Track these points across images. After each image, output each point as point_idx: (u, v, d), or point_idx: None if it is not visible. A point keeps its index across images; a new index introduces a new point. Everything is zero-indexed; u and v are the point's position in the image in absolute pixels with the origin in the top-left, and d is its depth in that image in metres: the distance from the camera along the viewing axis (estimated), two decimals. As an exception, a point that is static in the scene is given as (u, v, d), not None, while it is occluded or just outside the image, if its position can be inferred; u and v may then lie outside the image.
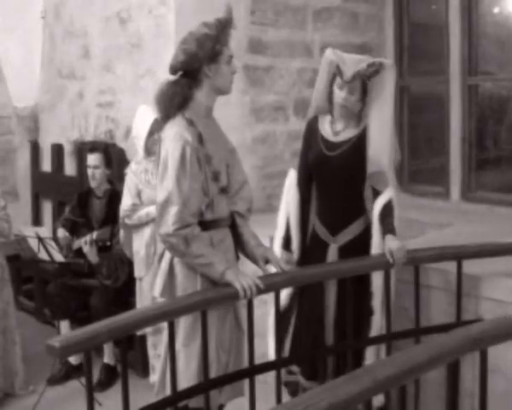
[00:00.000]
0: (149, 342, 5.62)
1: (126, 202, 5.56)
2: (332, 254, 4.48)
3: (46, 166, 8.70)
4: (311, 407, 2.16)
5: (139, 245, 5.58)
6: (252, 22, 6.53)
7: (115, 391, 5.59)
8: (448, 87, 6.99)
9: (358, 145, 4.40)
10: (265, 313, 5.35)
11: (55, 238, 6.21)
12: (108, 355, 6.11)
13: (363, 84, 4.40)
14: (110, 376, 6.05)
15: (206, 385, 3.61)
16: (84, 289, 6.20)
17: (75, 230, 6.35)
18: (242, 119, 6.48)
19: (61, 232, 6.29)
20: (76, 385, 5.85)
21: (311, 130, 4.63)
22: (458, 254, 4.22)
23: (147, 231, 5.51)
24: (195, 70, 3.76)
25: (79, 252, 6.17)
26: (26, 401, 5.76)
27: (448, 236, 5.45)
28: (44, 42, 8.68)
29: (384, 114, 4.42)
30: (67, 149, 8.30)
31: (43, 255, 6.00)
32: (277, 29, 6.79)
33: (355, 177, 4.43)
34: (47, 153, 8.63)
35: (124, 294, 5.99)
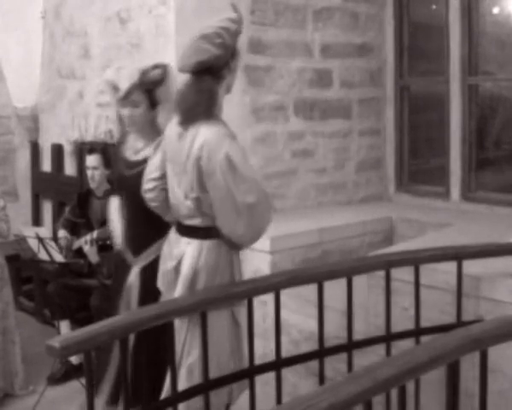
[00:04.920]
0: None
1: None
2: (133, 276, 4.49)
3: (46, 166, 8.71)
4: (311, 407, 2.16)
5: None
6: (252, 22, 6.52)
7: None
8: (448, 87, 7.00)
9: None
10: (265, 313, 5.37)
11: (55, 239, 6.22)
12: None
13: (150, 93, 4.37)
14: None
15: (206, 386, 3.60)
16: (84, 289, 6.21)
17: (75, 230, 6.36)
18: (242, 119, 6.48)
19: (62, 233, 6.31)
20: (76, 385, 5.85)
21: (116, 154, 4.65)
22: (458, 255, 4.22)
23: None
24: (222, 66, 3.76)
25: (79, 252, 6.18)
26: (26, 401, 5.77)
27: (448, 236, 5.45)
28: (44, 42, 8.68)
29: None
30: (67, 149, 8.30)
31: (42, 256, 6.00)
32: (277, 29, 6.79)
33: None
34: (47, 153, 8.63)
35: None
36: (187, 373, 3.80)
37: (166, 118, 4.24)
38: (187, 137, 3.76)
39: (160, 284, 4.09)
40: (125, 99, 4.32)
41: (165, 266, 4.01)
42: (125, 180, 4.48)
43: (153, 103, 4.42)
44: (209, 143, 3.66)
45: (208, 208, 3.77)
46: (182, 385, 3.68)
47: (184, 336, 3.82)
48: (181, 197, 3.84)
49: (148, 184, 4.15)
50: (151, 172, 4.15)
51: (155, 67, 4.37)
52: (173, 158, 3.89)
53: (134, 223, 4.51)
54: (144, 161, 4.30)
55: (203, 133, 3.69)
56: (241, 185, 3.64)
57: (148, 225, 4.38)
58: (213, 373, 3.65)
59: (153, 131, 4.45)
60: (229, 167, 3.62)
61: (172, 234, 4.03)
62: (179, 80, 4.09)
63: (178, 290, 3.82)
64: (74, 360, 6.12)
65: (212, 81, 3.75)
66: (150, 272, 4.28)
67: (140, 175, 4.22)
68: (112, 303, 4.65)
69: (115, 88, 4.33)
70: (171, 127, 3.96)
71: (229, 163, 3.62)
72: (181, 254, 3.86)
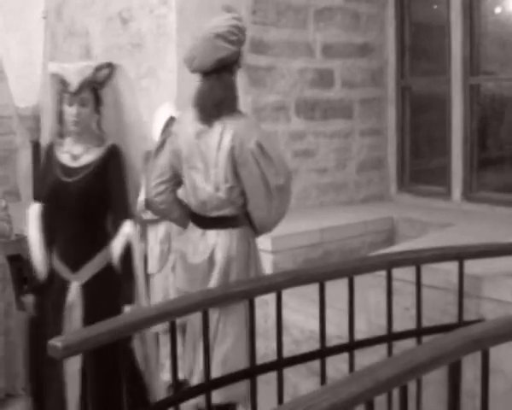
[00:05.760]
0: (161, 340, 5.61)
1: (143, 196, 5.57)
2: (73, 293, 4.10)
3: (48, 166, 8.70)
4: (312, 407, 2.16)
5: (154, 242, 5.60)
6: (253, 22, 6.53)
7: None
8: (449, 87, 7.00)
9: (101, 169, 4.09)
10: (266, 313, 5.36)
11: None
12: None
13: (96, 94, 4.09)
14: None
15: (207, 385, 3.61)
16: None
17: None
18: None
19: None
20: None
21: (48, 157, 4.25)
22: (460, 255, 4.21)
23: (161, 228, 5.53)
24: (234, 62, 3.98)
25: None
26: (28, 401, 5.76)
27: (450, 236, 5.45)
28: (46, 42, 8.67)
29: (122, 126, 4.19)
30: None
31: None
32: (279, 29, 6.79)
33: (95, 206, 4.10)
34: (48, 153, 8.63)
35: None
36: (221, 363, 3.92)
37: (113, 121, 4.13)
38: (213, 133, 3.97)
39: (182, 282, 4.21)
40: (75, 96, 3.99)
41: (190, 262, 4.12)
42: (64, 187, 4.07)
43: (98, 104, 4.13)
44: (240, 134, 3.91)
45: (238, 197, 4.02)
46: (215, 374, 3.76)
47: (215, 326, 3.95)
48: (210, 191, 4.00)
49: (157, 188, 4.20)
50: (160, 175, 4.19)
51: (104, 65, 4.13)
52: (193, 156, 4.04)
53: (71, 235, 4.10)
54: (85, 168, 4.08)
55: (232, 126, 3.93)
56: (272, 169, 3.94)
57: (88, 237, 4.10)
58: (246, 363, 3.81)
59: (95, 136, 4.17)
60: (261, 153, 3.90)
61: (192, 231, 4.16)
62: (128, 83, 4.20)
63: (215, 281, 3.99)
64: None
65: (230, 77, 3.98)
66: (94, 287, 4.07)
67: (81, 183, 4.04)
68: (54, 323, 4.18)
69: (62, 82, 4.00)
70: (185, 127, 4.09)
71: (260, 150, 3.91)
72: (212, 246, 4.02)
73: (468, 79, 6.88)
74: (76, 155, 4.11)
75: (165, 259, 5.52)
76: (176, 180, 4.20)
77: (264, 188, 3.96)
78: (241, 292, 3.74)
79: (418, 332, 4.20)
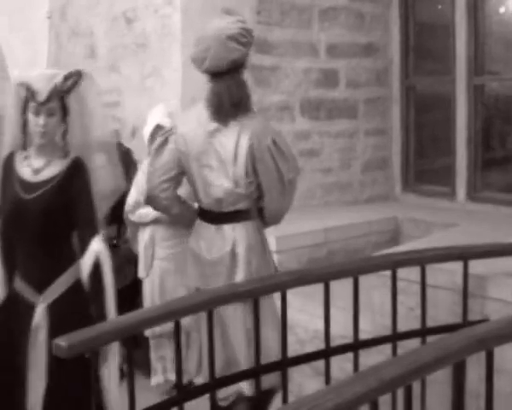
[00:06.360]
0: (152, 344, 5.61)
1: (132, 197, 5.57)
2: (40, 315, 3.79)
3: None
4: (316, 407, 2.16)
5: (141, 246, 5.60)
6: (257, 22, 6.53)
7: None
8: (454, 87, 7.00)
9: (65, 184, 3.78)
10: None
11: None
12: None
13: (63, 103, 3.77)
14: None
15: (212, 385, 3.61)
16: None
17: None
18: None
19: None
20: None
21: (6, 170, 3.88)
22: (464, 255, 4.21)
23: (146, 233, 5.52)
24: (244, 64, 4.14)
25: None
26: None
27: (454, 236, 5.45)
28: (50, 42, 8.68)
29: (87, 137, 3.91)
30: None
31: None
32: (283, 29, 6.80)
33: (58, 222, 3.80)
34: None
35: (131, 293, 5.99)
36: (262, 355, 3.92)
37: (77, 132, 3.85)
38: (229, 132, 4.13)
39: (194, 279, 4.30)
40: (43, 105, 3.70)
41: (205, 259, 4.23)
42: (23, 205, 3.74)
43: (65, 114, 3.80)
44: (257, 132, 4.10)
45: (254, 191, 4.21)
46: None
47: (244, 320, 4.08)
48: (229, 187, 4.15)
49: (162, 185, 4.29)
50: (165, 172, 4.28)
51: (74, 73, 3.80)
52: (206, 154, 4.17)
53: (34, 254, 3.79)
54: (47, 183, 3.78)
55: (249, 124, 4.11)
56: (286, 164, 4.16)
57: (52, 256, 3.80)
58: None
59: (58, 148, 3.86)
60: (276, 150, 4.11)
61: (203, 228, 4.29)
62: (95, 91, 3.99)
63: (241, 273, 4.15)
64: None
65: (241, 77, 4.16)
66: (60, 308, 3.79)
67: (43, 199, 3.76)
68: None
69: (29, 90, 3.70)
70: (193, 127, 4.20)
71: (276, 146, 4.12)
72: (232, 240, 4.17)
73: (473, 78, 6.88)
74: (37, 168, 3.80)
75: (150, 264, 5.49)
76: (179, 178, 4.36)
77: (279, 182, 4.17)
78: (247, 291, 3.74)
79: (423, 332, 4.21)
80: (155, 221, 5.38)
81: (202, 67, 4.10)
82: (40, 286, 3.78)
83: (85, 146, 3.90)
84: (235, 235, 4.18)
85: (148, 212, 5.32)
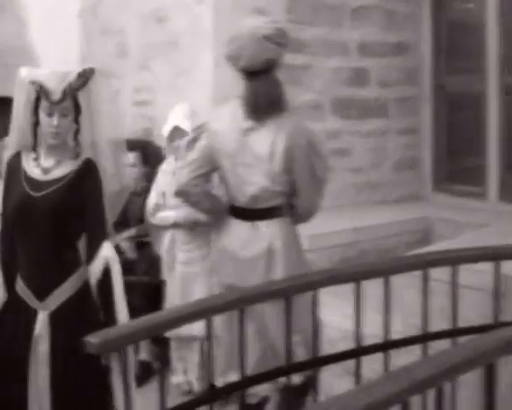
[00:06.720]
0: (173, 344, 5.62)
1: (152, 200, 5.58)
2: (41, 324, 3.64)
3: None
4: (347, 407, 2.16)
5: (163, 249, 5.63)
6: (289, 20, 6.52)
7: (148, 388, 5.55)
8: (485, 86, 6.96)
9: (76, 184, 3.67)
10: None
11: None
12: (145, 351, 6.12)
13: (76, 102, 3.64)
14: (146, 372, 6.05)
15: (243, 383, 3.62)
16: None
17: (114, 227, 6.39)
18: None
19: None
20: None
21: (13, 170, 3.76)
22: (496, 255, 4.19)
23: (167, 236, 5.55)
24: (278, 63, 4.17)
25: (116, 249, 6.20)
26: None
27: (485, 236, 5.42)
28: (81, 40, 8.73)
29: (97, 132, 3.79)
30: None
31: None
32: (315, 27, 6.80)
33: (66, 224, 3.67)
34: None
35: (162, 291, 6.01)
36: (303, 349, 4.03)
37: (88, 132, 3.75)
38: (265, 130, 4.16)
39: (227, 276, 4.29)
40: (57, 105, 3.57)
41: (240, 256, 4.23)
42: (31, 202, 3.62)
43: (78, 114, 3.68)
44: (294, 131, 4.17)
45: (289, 189, 4.25)
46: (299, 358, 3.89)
47: (276, 318, 4.00)
48: (265, 184, 4.18)
49: (194, 181, 4.32)
50: (197, 168, 4.31)
51: (87, 70, 3.67)
52: (241, 152, 4.18)
53: (37, 257, 3.65)
54: (57, 182, 3.68)
55: (285, 124, 4.16)
56: (320, 163, 4.26)
57: (58, 260, 3.66)
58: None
59: (69, 149, 3.75)
60: (312, 150, 4.21)
61: (236, 225, 4.29)
62: (108, 89, 3.98)
63: (280, 270, 4.17)
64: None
65: (277, 76, 4.19)
66: (63, 316, 3.67)
67: (52, 197, 3.64)
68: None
69: (42, 89, 3.56)
70: (227, 124, 4.22)
71: (311, 146, 4.21)
72: (269, 236, 4.20)
73: (504, 77, 6.84)
74: (47, 168, 3.68)
75: (172, 267, 5.49)
76: (210, 174, 4.45)
77: (313, 180, 4.26)
78: (279, 290, 3.75)
79: (453, 333, 4.19)
80: (175, 225, 5.38)
81: (238, 65, 4.11)
82: (42, 291, 3.64)
83: (93, 146, 3.78)
84: (271, 231, 4.21)
85: (169, 215, 5.35)
